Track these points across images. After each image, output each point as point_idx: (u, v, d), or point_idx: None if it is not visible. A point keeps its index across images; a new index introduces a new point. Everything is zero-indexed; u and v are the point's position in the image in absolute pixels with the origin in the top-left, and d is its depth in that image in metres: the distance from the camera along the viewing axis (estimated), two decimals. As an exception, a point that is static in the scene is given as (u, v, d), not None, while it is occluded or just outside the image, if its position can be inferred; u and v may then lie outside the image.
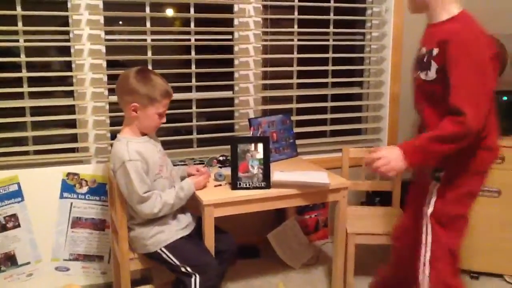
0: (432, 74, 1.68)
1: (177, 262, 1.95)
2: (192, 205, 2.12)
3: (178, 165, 2.39)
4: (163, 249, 1.97)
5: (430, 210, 1.76)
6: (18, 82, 2.39)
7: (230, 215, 2.06)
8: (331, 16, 2.89)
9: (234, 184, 2.09)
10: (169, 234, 1.99)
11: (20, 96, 2.41)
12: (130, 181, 1.89)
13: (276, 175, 2.18)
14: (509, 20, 3.02)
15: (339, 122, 3.05)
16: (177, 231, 2.02)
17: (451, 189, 1.74)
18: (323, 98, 3.01)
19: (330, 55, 2.94)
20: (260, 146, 2.11)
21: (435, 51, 1.66)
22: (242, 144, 2.11)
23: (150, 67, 2.56)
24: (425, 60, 1.71)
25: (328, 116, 3.02)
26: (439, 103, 1.67)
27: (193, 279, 1.91)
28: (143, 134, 2.04)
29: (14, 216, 2.33)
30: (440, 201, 1.75)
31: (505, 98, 2.55)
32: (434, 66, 1.67)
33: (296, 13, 2.83)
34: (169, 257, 1.96)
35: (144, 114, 1.96)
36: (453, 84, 1.58)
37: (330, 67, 2.96)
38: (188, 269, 1.93)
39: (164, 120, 2.04)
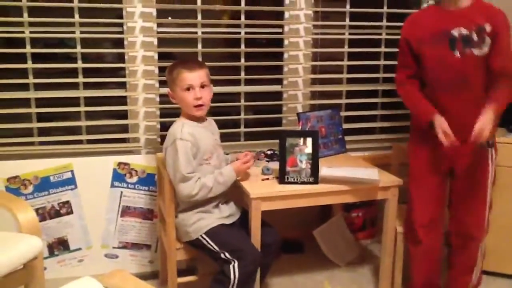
0: (486, 48, 1.93)
1: (217, 248, 1.97)
2: (238, 197, 2.13)
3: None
4: (203, 235, 2.00)
5: (491, 175, 2.09)
6: (72, 73, 2.46)
7: (276, 209, 2.04)
8: (384, 9, 2.81)
9: (282, 178, 2.07)
10: (209, 221, 2.03)
11: (74, 86, 2.49)
12: (177, 158, 1.96)
13: (324, 170, 2.14)
14: None
15: (390, 119, 2.97)
16: (218, 219, 2.05)
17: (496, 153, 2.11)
18: (373, 93, 2.94)
19: (382, 49, 2.86)
20: (309, 140, 2.08)
21: (488, 28, 1.92)
22: (291, 138, 2.09)
23: (200, 60, 2.58)
24: (474, 38, 1.94)
25: (379, 112, 2.95)
26: (486, 70, 1.97)
27: (231, 266, 1.91)
28: (198, 121, 2.10)
29: (67, 203, 2.41)
30: (493, 166, 2.09)
31: None
32: (488, 41, 1.93)
33: (348, 6, 2.77)
34: (209, 243, 1.99)
35: (178, 98, 2.07)
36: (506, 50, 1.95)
37: (382, 62, 2.88)
38: (227, 255, 1.94)
39: (198, 94, 2.02)
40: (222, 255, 1.95)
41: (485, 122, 1.82)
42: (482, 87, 1.97)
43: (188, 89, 2.02)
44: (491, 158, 2.06)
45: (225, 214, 2.08)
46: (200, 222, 2.02)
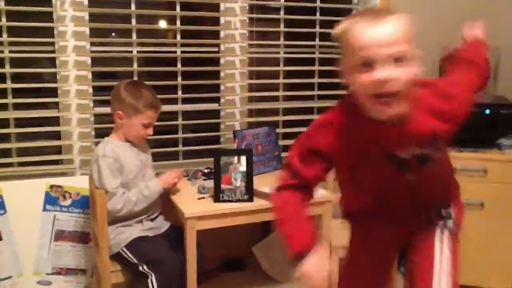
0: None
1: (135, 260, 1.99)
2: (174, 217, 2.12)
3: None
4: (124, 248, 2.03)
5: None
6: (3, 93, 2.38)
7: (215, 228, 2.05)
8: (317, 29, 2.91)
9: (217, 196, 2.09)
10: (129, 233, 2.06)
11: (4, 107, 2.40)
12: (101, 175, 2.01)
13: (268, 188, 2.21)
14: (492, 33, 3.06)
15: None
16: (138, 231, 2.09)
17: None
18: (309, 110, 3.02)
19: (316, 67, 2.95)
20: (243, 158, 2.11)
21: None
22: (225, 156, 2.11)
23: (135, 79, 2.56)
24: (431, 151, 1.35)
25: (315, 128, 3.02)
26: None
27: (149, 280, 1.93)
28: (128, 142, 2.15)
29: (-5, 229, 2.31)
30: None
31: (487, 111, 2.57)
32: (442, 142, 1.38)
33: (282, 25, 2.85)
34: (128, 256, 2.01)
35: (129, 123, 2.09)
36: None
37: (316, 80, 2.97)
38: (145, 267, 1.96)
39: (151, 132, 2.14)
40: (140, 268, 1.97)
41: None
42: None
43: (145, 124, 2.11)
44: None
45: (147, 227, 2.13)
46: (121, 236, 2.05)
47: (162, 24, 2.74)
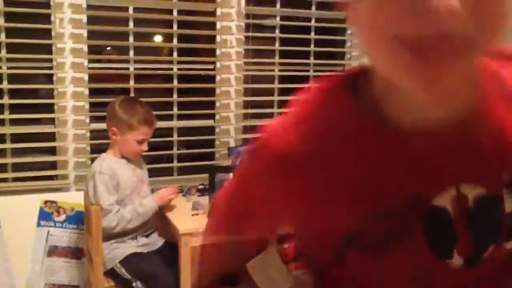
0: None
1: (129, 276, 2.01)
2: (168, 233, 2.13)
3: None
4: (118, 264, 2.05)
5: None
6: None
7: (209, 244, 2.06)
8: (312, 48, 2.96)
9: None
10: (123, 249, 2.07)
11: (1, 123, 2.42)
12: (96, 192, 2.03)
13: None
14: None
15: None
16: (133, 247, 2.10)
17: None
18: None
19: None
20: (238, 175, 2.13)
21: None
22: (220, 173, 2.13)
23: (131, 96, 2.59)
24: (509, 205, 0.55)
25: (309, 145, 3.05)
26: None
27: None
28: (125, 158, 2.17)
29: (-11, 244, 2.31)
30: None
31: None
32: None
33: (277, 44, 2.90)
34: (122, 272, 2.03)
35: (123, 139, 2.12)
36: None
37: (310, 97, 3.00)
38: (139, 283, 1.98)
39: (145, 148, 2.16)
40: (134, 284, 1.99)
41: None
42: None
43: (139, 141, 2.12)
44: None
45: (141, 243, 2.14)
46: (115, 251, 2.07)
47: (159, 41, 2.78)
